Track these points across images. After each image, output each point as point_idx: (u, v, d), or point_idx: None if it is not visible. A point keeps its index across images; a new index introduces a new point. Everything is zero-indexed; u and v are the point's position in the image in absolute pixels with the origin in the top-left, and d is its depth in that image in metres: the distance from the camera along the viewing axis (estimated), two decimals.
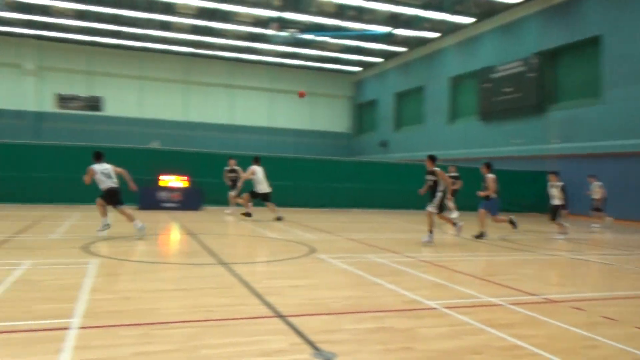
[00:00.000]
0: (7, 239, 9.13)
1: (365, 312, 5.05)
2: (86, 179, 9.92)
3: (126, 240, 9.46)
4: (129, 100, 34.27)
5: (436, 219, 10.83)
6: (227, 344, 3.98)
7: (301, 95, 16.26)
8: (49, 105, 32.32)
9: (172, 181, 17.68)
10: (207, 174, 18.02)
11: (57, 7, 26.54)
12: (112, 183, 9.89)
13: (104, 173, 9.88)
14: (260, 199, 14.96)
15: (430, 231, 10.46)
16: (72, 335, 3.99)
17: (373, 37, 28.68)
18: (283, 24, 26.90)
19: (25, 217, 12.96)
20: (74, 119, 32.36)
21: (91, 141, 23.26)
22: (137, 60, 34.35)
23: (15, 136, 27.75)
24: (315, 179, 20.35)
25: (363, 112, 39.41)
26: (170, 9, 26.26)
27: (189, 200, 17.64)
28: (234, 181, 16.24)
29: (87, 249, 8.21)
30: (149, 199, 17.08)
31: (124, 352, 3.72)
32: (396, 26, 27.05)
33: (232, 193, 16.32)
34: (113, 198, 9.93)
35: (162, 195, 17.43)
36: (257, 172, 14.74)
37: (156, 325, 4.36)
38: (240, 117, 36.98)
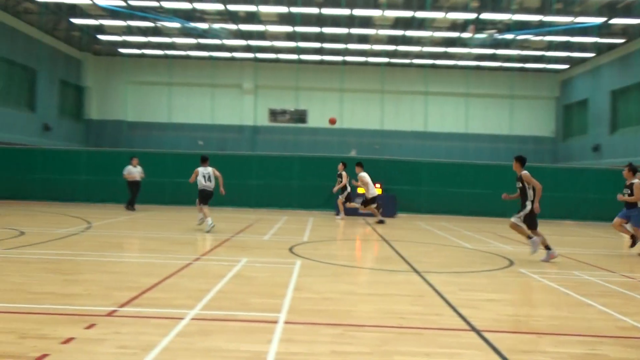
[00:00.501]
0: (228, 238, 10.47)
1: (571, 334, 4.61)
2: (191, 178, 11.75)
3: (326, 244, 10.11)
4: (330, 111, 36.54)
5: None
6: (420, 353, 4.00)
7: (332, 122, 15.93)
8: (263, 120, 36.24)
9: None
10: (400, 181, 18.27)
11: (271, 31, 29.63)
12: (207, 185, 11.63)
13: (204, 175, 11.68)
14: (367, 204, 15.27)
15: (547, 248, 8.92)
16: (279, 329, 4.42)
17: (583, 30, 25.90)
18: (481, 25, 25.93)
19: (243, 220, 14.69)
20: (283, 131, 35.71)
21: (297, 151, 25.39)
22: (338, 73, 36.47)
23: (236, 148, 31.81)
24: (513, 187, 19.11)
25: (571, 114, 35.73)
26: (368, 22, 27.34)
27: (384, 207, 18.03)
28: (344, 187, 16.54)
29: (292, 251, 8.98)
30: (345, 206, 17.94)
31: (323, 349, 3.99)
32: (612, 15, 24.03)
33: (342, 198, 16.52)
34: (204, 198, 11.67)
35: (358, 202, 18.15)
36: (367, 178, 15.12)
37: (352, 327, 4.59)
38: (434, 124, 36.65)
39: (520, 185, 9.09)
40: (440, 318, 5.03)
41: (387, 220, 16.65)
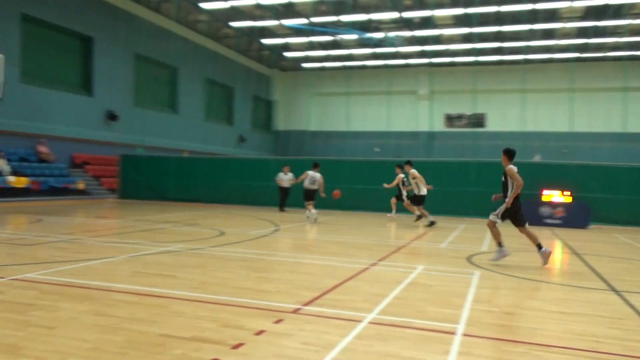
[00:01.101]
0: (404, 245, 10.53)
1: None
2: (300, 178, 14.17)
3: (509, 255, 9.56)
4: (510, 114, 34.48)
5: None
6: None
7: (336, 196, 15.54)
8: (439, 125, 35.66)
9: (555, 196, 16.84)
10: (594, 189, 16.46)
11: (446, 34, 29.09)
12: (310, 186, 14.99)
13: (311, 178, 14.99)
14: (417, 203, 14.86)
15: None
16: (457, 340, 4.33)
17: None
18: None
19: (418, 227, 14.63)
20: (459, 136, 34.72)
21: (474, 156, 24.47)
22: (519, 73, 34.27)
23: (411, 154, 31.77)
24: None
25: None
26: (553, 16, 25.25)
27: (574, 217, 16.43)
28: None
29: (471, 260, 8.69)
30: (530, 214, 16.72)
31: None
32: None
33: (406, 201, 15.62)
34: (308, 197, 15.05)
35: (545, 211, 16.81)
36: (418, 175, 14.69)
37: (537, 346, 4.29)
38: (634, 124, 32.23)
39: (503, 179, 8.67)
40: None
41: (579, 232, 15.12)
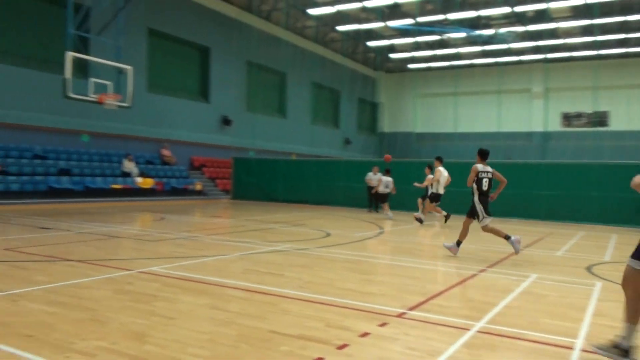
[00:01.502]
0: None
1: None
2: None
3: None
4: (637, 111, 31.43)
5: None
6: None
7: (387, 159, 15.63)
8: (555, 125, 33.44)
9: None
10: None
11: (563, 27, 27.24)
12: (384, 190, 15.52)
13: (385, 183, 15.86)
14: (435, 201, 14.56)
15: None
16: (575, 356, 4.04)
17: None
18: None
19: (532, 233, 13.83)
20: (578, 136, 32.30)
21: (596, 158, 22.64)
22: None
23: (524, 156, 30.12)
24: None
25: None
26: None
27: None
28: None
29: (591, 270, 8.07)
30: None
31: None
32: None
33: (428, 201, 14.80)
34: (383, 198, 16.43)
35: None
36: (445, 172, 14.50)
37: None
38: None
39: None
40: None
41: None
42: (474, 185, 8.81)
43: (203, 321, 4.59)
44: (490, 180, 8.87)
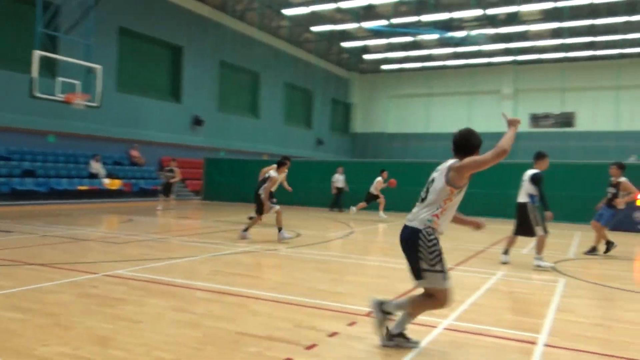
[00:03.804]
0: (483, 249, 10.18)
1: None
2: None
3: (598, 262, 8.99)
4: (603, 113, 32.30)
5: None
6: None
7: (392, 184, 15.36)
8: (523, 125, 34.05)
9: None
10: None
11: (533, 30, 27.80)
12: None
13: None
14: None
15: None
16: (539, 351, 4.12)
17: None
18: None
19: (499, 231, 14.05)
20: (545, 136, 33.00)
21: (563, 158, 23.17)
22: (613, 69, 32.02)
23: None
24: None
25: None
26: None
27: (623, 221, 15.10)
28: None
29: (556, 267, 8.24)
30: (622, 219, 15.54)
31: None
32: None
33: None
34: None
35: (639, 216, 15.62)
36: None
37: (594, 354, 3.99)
38: None
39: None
40: None
41: (625, 235, 13.88)
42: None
43: (169, 324, 4.53)
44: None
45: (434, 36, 29.24)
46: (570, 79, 33.04)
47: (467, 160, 3.84)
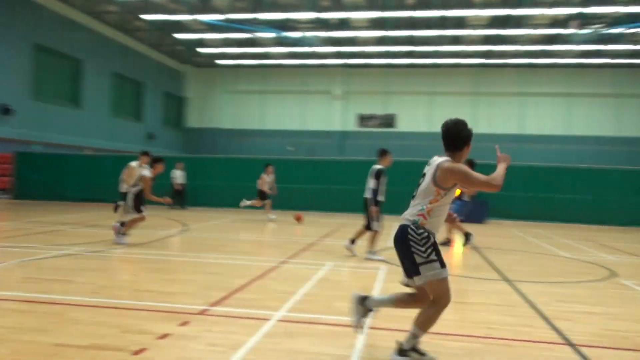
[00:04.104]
0: (313, 242, 10.65)
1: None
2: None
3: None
4: (419, 115, 35.96)
5: None
6: None
7: (298, 218, 14.87)
8: (351, 125, 36.41)
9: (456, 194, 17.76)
10: None
11: (362, 37, 29.76)
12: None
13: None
14: None
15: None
16: (363, 334, 4.43)
17: None
18: (585, 20, 24.30)
19: (329, 224, 14.86)
20: (371, 136, 35.66)
21: None
22: (428, 76, 35.80)
23: (325, 153, 32.27)
24: (621, 193, 17.71)
25: None
26: (461, 23, 26.61)
27: (473, 213, 17.42)
28: None
29: (387, 260, 8.93)
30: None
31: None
32: None
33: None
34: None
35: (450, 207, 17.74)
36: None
37: (437, 335, 4.49)
38: (531, 126, 34.83)
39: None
40: (532, 330, 4.79)
41: (478, 226, 16.05)
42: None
43: None
44: None
45: (271, 35, 29.71)
46: (393, 84, 36.13)
47: (459, 169, 3.68)
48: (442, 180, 3.71)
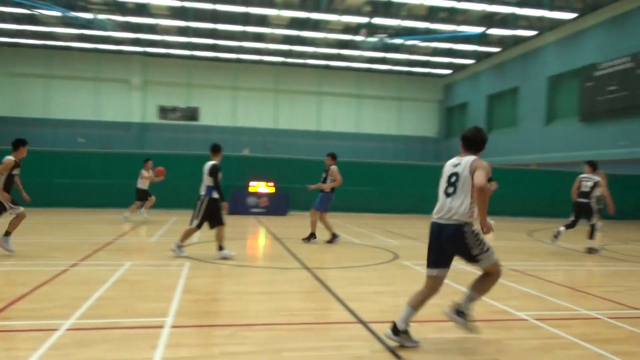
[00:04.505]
0: (110, 241, 9.89)
1: (449, 321, 4.91)
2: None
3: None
4: (223, 109, 35.94)
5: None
6: (309, 347, 4.05)
7: (160, 173, 14.42)
8: (152, 117, 34.70)
9: (260, 187, 18.26)
10: (293, 180, 18.38)
11: (162, 25, 28.47)
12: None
13: None
14: None
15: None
16: (165, 334, 4.25)
17: (465, 39, 27.87)
18: (373, 29, 26.92)
19: (128, 221, 13.96)
20: (173, 128, 34.48)
21: (188, 149, 24.63)
22: (231, 71, 35.95)
23: (122, 146, 30.17)
24: (401, 185, 20.14)
25: (452, 116, 38.44)
26: (264, 21, 27.23)
27: (276, 206, 18.13)
28: None
29: (179, 252, 8.67)
30: (239, 204, 17.75)
31: (212, 351, 3.91)
32: (490, 26, 26.12)
33: None
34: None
35: (251, 201, 18.08)
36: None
37: (242, 327, 4.53)
38: (327, 124, 37.48)
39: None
40: (330, 312, 5.14)
41: (280, 218, 16.73)
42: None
43: None
44: None
45: (56, 14, 26.60)
46: (196, 76, 35.40)
47: (486, 166, 4.14)
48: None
